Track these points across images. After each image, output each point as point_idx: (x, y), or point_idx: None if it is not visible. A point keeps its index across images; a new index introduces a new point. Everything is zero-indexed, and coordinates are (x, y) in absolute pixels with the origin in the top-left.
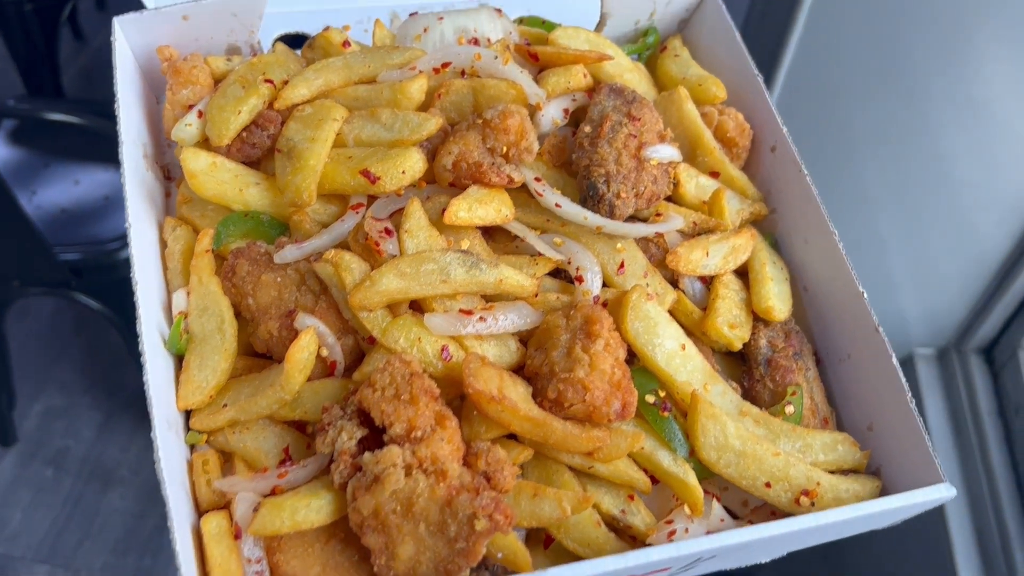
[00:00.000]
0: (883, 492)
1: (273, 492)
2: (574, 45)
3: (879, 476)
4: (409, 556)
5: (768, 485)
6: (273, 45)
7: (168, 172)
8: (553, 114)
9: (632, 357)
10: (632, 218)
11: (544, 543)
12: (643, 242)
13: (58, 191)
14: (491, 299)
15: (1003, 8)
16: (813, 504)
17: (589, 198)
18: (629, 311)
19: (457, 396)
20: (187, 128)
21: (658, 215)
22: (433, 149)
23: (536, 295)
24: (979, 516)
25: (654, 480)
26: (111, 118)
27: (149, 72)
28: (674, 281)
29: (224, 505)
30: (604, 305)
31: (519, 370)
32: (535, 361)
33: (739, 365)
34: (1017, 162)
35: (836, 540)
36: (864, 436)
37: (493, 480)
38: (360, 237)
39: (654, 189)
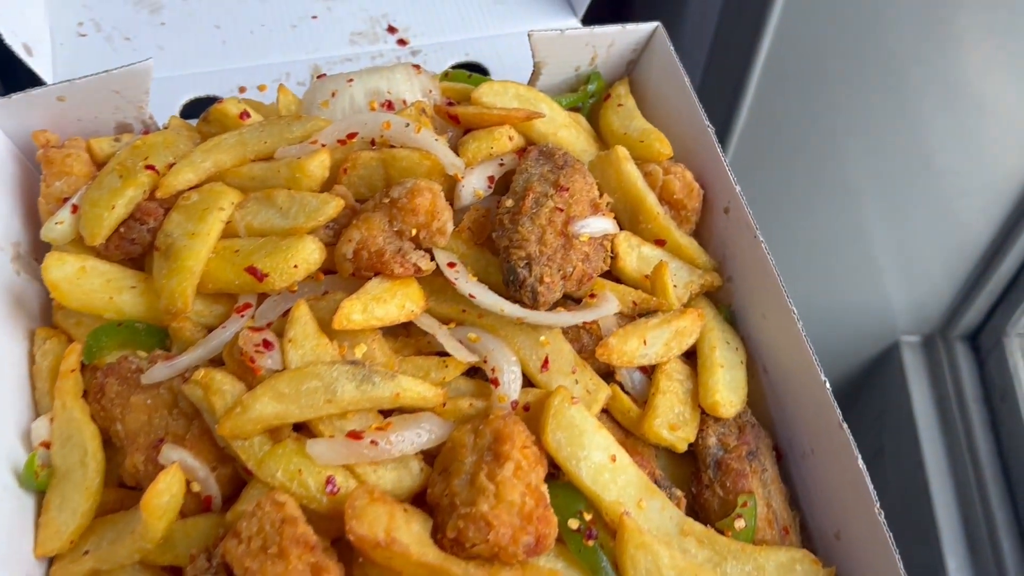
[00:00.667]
0: None
1: None
2: (501, 102)
3: None
4: None
5: None
6: (169, 121)
7: None
8: (475, 185)
9: (557, 469)
10: (568, 297)
11: None
12: (573, 330)
13: None
14: (392, 412)
15: None
16: None
17: (510, 283)
18: (551, 419)
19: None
20: (58, 227)
21: (592, 295)
22: (339, 230)
23: (444, 404)
24: (965, 504)
25: None
26: None
27: (34, 155)
28: (611, 372)
29: None
30: (526, 409)
31: (423, 495)
32: (436, 489)
33: (689, 463)
34: (999, 148)
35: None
36: (831, 545)
37: None
38: (235, 352)
39: (585, 268)
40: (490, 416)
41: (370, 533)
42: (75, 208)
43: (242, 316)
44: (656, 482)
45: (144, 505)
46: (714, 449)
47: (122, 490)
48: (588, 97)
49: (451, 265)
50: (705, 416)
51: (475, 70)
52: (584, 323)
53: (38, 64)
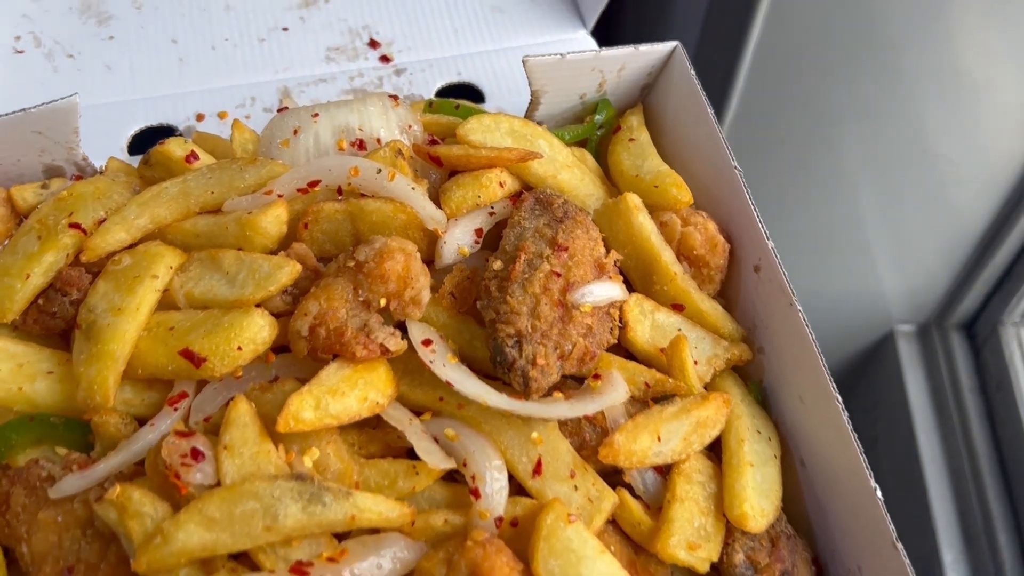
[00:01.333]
0: None
1: None
2: (491, 140)
3: None
4: None
5: None
6: (107, 163)
7: None
8: (460, 240)
9: None
10: (570, 380)
11: None
12: (574, 421)
13: None
14: (353, 533)
15: None
16: None
17: (497, 364)
18: (542, 543)
19: None
20: None
21: (596, 376)
22: (298, 296)
23: (413, 522)
24: (961, 494)
25: None
26: None
27: None
28: (619, 471)
29: None
30: (514, 524)
31: None
32: None
33: None
34: (995, 135)
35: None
36: None
37: None
38: (159, 464)
39: (587, 344)
40: (467, 543)
41: None
42: None
43: (175, 409)
44: None
45: None
46: (741, 568)
47: None
48: (595, 129)
49: (427, 343)
50: (732, 527)
51: (468, 93)
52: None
53: None
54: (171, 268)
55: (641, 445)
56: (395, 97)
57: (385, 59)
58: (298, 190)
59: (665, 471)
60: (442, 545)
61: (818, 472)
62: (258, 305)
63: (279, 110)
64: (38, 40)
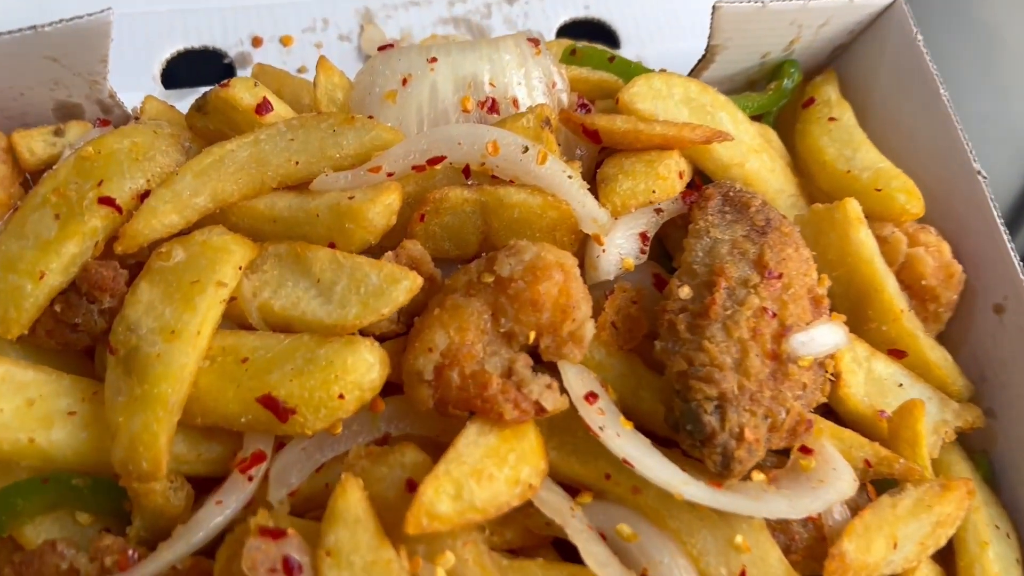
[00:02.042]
0: None
1: None
2: (663, 110)
3: None
4: None
5: None
6: (143, 104)
7: None
8: (623, 248)
9: None
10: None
11: None
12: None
13: None
14: None
15: None
16: None
17: (685, 433)
18: None
19: None
20: None
21: (805, 450)
22: (409, 315)
23: None
24: None
25: None
26: None
27: None
28: None
29: None
30: None
31: None
32: None
33: None
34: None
35: None
36: None
37: None
38: (235, 572)
39: (801, 409)
40: None
41: None
42: None
43: (249, 478)
44: None
45: None
46: None
47: None
48: (780, 99)
49: (591, 398)
50: None
51: (598, 33)
52: None
53: None
54: (239, 268)
55: (875, 556)
56: (535, 42)
57: None
58: (413, 167)
59: None
60: None
61: None
62: (364, 332)
63: (380, 48)
64: None
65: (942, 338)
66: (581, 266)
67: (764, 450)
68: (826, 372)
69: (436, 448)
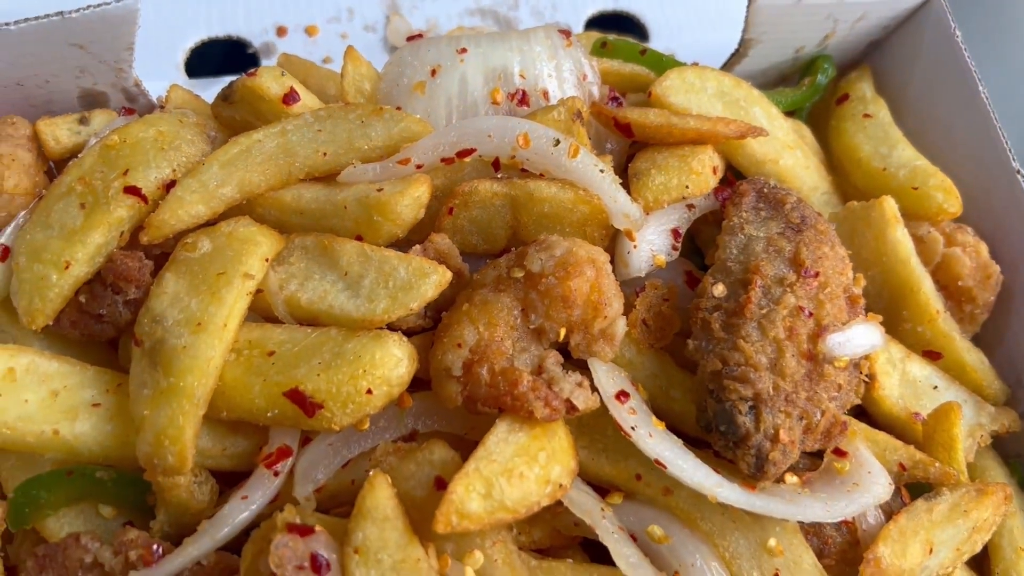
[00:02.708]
0: None
1: None
2: (697, 104)
3: None
4: None
5: None
6: (168, 93)
7: None
8: (655, 244)
9: None
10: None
11: None
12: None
13: None
14: None
15: None
16: None
17: (718, 433)
18: None
19: None
20: None
21: (839, 452)
22: (436, 309)
23: None
24: None
25: None
26: None
27: None
28: None
29: None
30: None
31: None
32: None
33: None
34: None
35: None
36: None
37: None
38: (263, 571)
39: (836, 411)
40: None
41: None
42: (5, 253)
43: (275, 473)
44: None
45: None
46: None
47: None
48: (815, 94)
49: (622, 397)
50: None
51: (627, 25)
52: None
53: None
54: (266, 260)
55: (911, 561)
56: (567, 33)
57: None
58: (442, 160)
59: None
60: None
61: None
62: (391, 327)
63: (409, 39)
64: None
65: (978, 340)
66: (612, 262)
67: (798, 452)
68: (861, 373)
69: (464, 445)
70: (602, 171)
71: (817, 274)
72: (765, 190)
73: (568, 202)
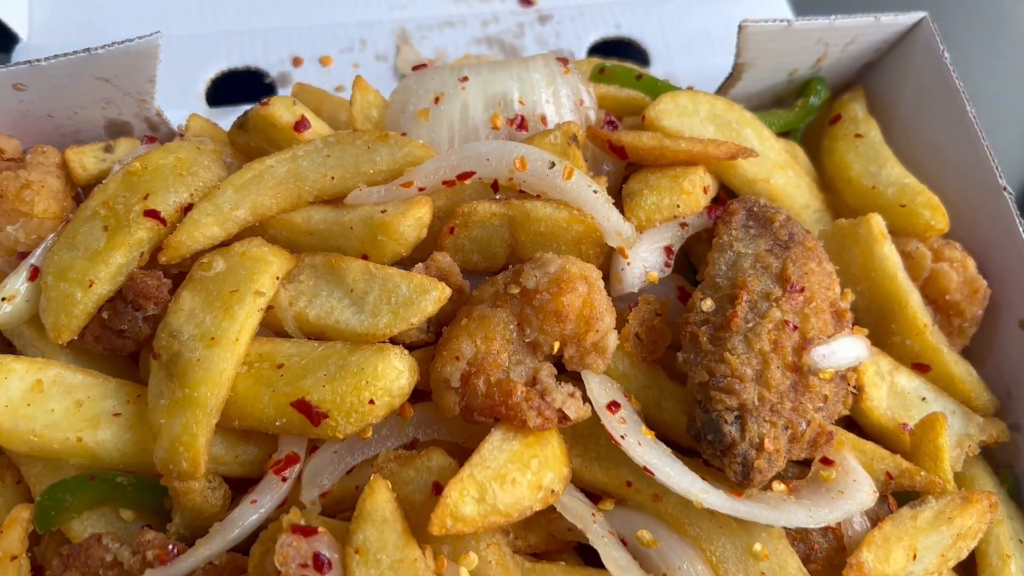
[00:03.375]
0: None
1: None
2: (689, 127)
3: None
4: None
5: None
6: (188, 122)
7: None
8: (647, 262)
9: None
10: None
11: None
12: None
13: None
14: None
15: None
16: None
17: (706, 443)
18: None
19: None
20: (5, 306)
21: (827, 461)
22: (438, 324)
23: None
24: None
25: None
26: None
27: None
28: None
29: None
30: None
31: None
32: None
33: None
34: None
35: None
36: None
37: None
38: (269, 571)
39: (822, 421)
40: None
41: None
42: (35, 273)
43: (283, 479)
44: None
45: None
46: None
47: None
48: (807, 115)
49: (613, 407)
50: None
51: (628, 51)
52: None
53: (7, 13)
54: (276, 279)
55: (894, 566)
56: (564, 61)
57: (527, 2)
58: (444, 182)
59: None
60: None
61: None
62: (394, 340)
63: (414, 68)
64: None
65: (967, 353)
66: (606, 279)
67: (784, 461)
68: (849, 385)
69: (462, 453)
70: (595, 191)
71: (803, 289)
72: (755, 209)
73: (563, 221)
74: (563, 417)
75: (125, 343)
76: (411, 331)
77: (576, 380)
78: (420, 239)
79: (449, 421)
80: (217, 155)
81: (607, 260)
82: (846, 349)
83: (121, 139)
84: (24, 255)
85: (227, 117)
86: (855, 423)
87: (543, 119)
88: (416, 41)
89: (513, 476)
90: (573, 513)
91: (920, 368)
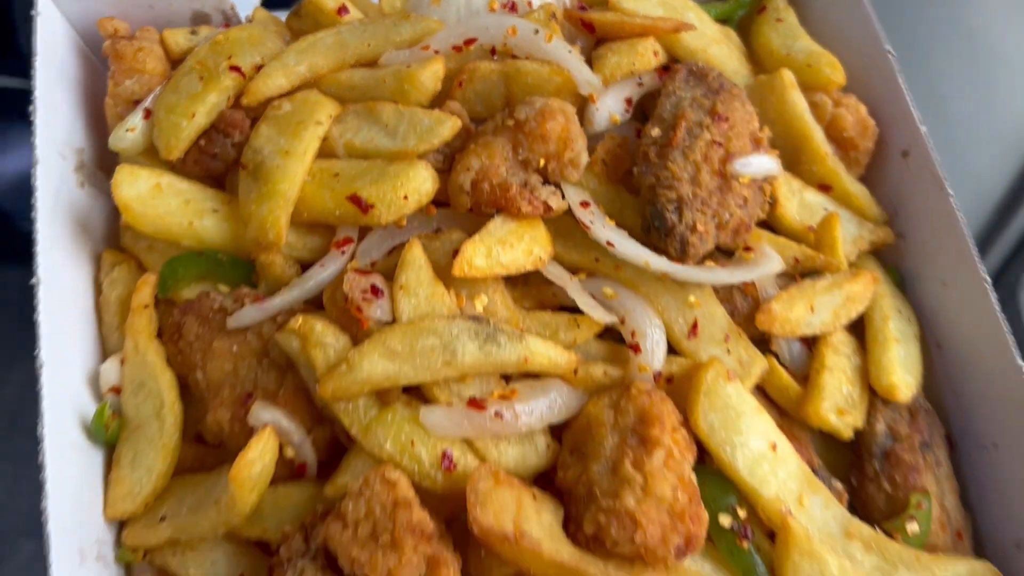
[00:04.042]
0: None
1: None
2: (643, 9)
3: None
4: None
5: None
6: (253, 13)
7: None
8: (611, 107)
9: (703, 453)
10: (717, 251)
11: None
12: (725, 290)
13: (16, 157)
14: (516, 377)
15: None
16: None
17: (654, 230)
18: (702, 398)
19: (464, 511)
20: (128, 135)
21: (748, 248)
22: (451, 154)
23: (576, 371)
24: None
25: None
26: None
27: (99, 47)
28: (765, 340)
29: None
30: (669, 381)
31: (549, 475)
32: (570, 473)
33: (846, 451)
34: (1016, 95)
35: None
36: (1009, 555)
37: None
38: (338, 298)
39: (743, 215)
40: (632, 390)
41: (497, 525)
42: (148, 113)
43: (343, 252)
44: (814, 471)
45: (233, 477)
46: (882, 437)
47: (201, 447)
48: (740, 8)
49: (584, 205)
50: (873, 398)
51: None
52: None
53: None
54: (330, 117)
55: (796, 314)
56: None
57: None
58: (453, 48)
59: (810, 343)
60: (605, 393)
61: (955, 354)
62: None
63: None
64: None
65: (866, 179)
66: (580, 121)
67: (713, 242)
68: (765, 196)
69: None
70: (570, 51)
71: (727, 118)
72: (694, 68)
73: (546, 74)
74: (548, 208)
75: (216, 165)
76: (431, 154)
77: (557, 189)
78: (436, 90)
79: (462, 216)
80: (278, 34)
81: (581, 107)
82: (760, 162)
83: (203, 26)
84: (138, 103)
85: (280, 16)
86: (772, 229)
87: (529, 3)
88: None
89: (511, 242)
90: (556, 276)
91: (824, 188)
